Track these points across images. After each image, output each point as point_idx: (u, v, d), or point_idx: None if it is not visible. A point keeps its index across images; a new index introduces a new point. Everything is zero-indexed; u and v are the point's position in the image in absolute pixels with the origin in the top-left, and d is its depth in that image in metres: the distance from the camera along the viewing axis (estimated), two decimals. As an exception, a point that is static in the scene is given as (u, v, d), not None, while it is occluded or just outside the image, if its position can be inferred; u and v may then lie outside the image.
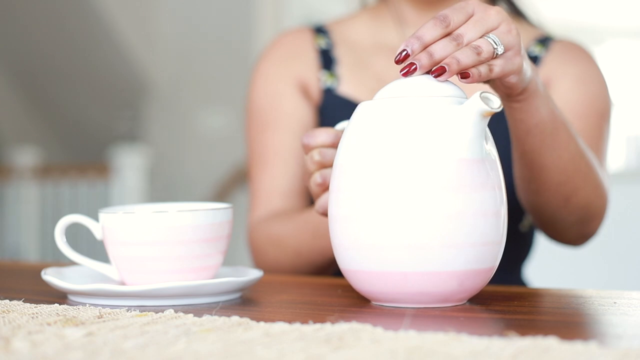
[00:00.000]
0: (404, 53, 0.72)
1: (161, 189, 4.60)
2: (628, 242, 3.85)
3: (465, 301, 0.72)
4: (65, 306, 0.69)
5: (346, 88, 1.14)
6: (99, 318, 0.64)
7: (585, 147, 0.94)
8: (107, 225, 0.79)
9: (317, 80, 1.15)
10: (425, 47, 0.72)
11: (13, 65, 4.87)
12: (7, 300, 0.72)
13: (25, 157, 4.35)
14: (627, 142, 4.92)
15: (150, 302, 0.74)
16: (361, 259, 0.70)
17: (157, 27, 4.68)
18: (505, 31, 0.74)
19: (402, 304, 0.70)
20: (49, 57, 4.74)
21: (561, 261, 3.63)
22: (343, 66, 1.15)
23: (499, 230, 0.69)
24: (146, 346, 0.54)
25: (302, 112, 1.14)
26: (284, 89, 1.15)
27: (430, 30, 0.72)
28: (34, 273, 0.91)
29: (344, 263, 0.72)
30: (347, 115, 1.11)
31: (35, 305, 0.70)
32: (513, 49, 0.74)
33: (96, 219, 0.81)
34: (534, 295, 0.79)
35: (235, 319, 0.62)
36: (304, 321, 0.61)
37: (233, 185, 4.32)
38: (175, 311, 0.66)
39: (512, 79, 0.77)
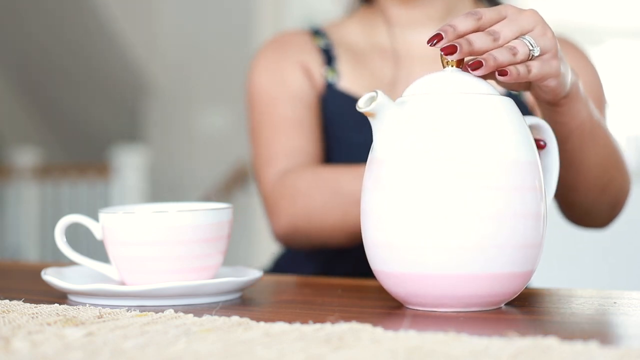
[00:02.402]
0: (436, 36, 0.71)
1: (161, 189, 4.60)
2: (628, 242, 3.85)
3: (501, 305, 0.71)
4: (65, 306, 0.69)
5: (345, 84, 1.15)
6: (99, 318, 0.64)
7: (614, 137, 0.97)
8: (107, 225, 0.79)
9: (320, 74, 1.16)
10: (458, 36, 0.71)
11: (13, 66, 4.87)
12: (7, 300, 0.72)
13: (25, 157, 4.35)
14: (627, 142, 4.92)
15: (150, 302, 0.74)
16: (396, 260, 0.67)
17: (157, 27, 4.68)
18: (541, 34, 0.73)
19: (438, 308, 0.69)
20: (49, 57, 4.74)
21: (561, 261, 3.63)
22: (342, 63, 1.16)
23: (539, 232, 0.68)
24: (146, 346, 0.54)
25: (307, 90, 1.14)
26: (288, 69, 1.15)
27: (462, 21, 0.72)
28: (34, 273, 0.91)
29: (376, 264, 0.70)
30: (347, 109, 1.12)
31: (35, 305, 0.70)
32: (550, 52, 0.73)
33: (96, 219, 0.81)
34: (534, 295, 0.79)
35: (235, 319, 0.62)
36: (304, 321, 0.61)
37: (233, 185, 4.32)
38: (175, 311, 0.66)
39: (551, 83, 0.75)
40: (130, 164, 4.09)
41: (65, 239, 0.81)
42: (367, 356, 0.51)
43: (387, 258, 0.68)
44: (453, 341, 0.54)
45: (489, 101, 0.68)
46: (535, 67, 0.72)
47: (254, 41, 4.33)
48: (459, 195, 0.65)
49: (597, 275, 3.94)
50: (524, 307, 0.72)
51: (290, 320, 0.61)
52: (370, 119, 0.68)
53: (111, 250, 0.79)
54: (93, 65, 4.71)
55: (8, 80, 4.93)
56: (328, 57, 1.17)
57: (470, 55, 0.71)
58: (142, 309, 0.70)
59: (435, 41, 0.71)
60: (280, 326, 0.59)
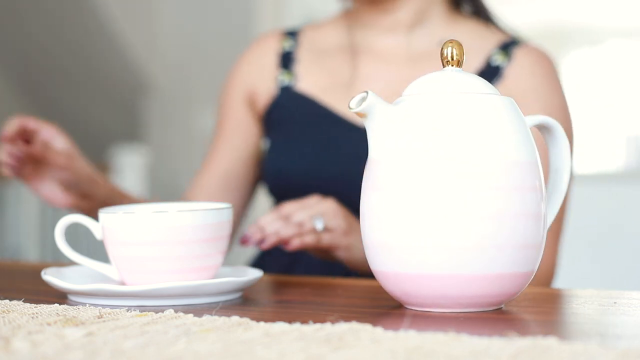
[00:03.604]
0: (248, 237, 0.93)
1: (161, 189, 4.60)
2: (628, 242, 3.85)
3: (501, 305, 0.71)
4: (65, 306, 0.69)
5: (303, 85, 1.19)
6: (99, 318, 0.64)
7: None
8: (107, 225, 0.79)
9: (272, 81, 1.21)
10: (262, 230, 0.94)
11: (13, 65, 4.87)
12: (7, 300, 0.72)
13: (25, 157, 4.34)
14: (627, 142, 4.92)
15: (150, 302, 0.74)
16: (395, 261, 0.67)
17: (157, 27, 4.68)
18: (332, 216, 0.96)
19: (438, 308, 0.68)
20: (49, 57, 4.74)
21: (561, 261, 3.63)
22: (302, 66, 1.21)
23: (539, 232, 0.68)
24: (146, 346, 0.54)
25: (243, 122, 1.24)
26: (233, 99, 1.24)
27: (266, 218, 0.95)
28: (34, 273, 0.91)
29: (376, 264, 0.70)
30: (304, 109, 1.18)
31: (35, 305, 0.70)
32: (338, 230, 0.96)
33: (96, 219, 0.81)
34: (534, 295, 0.79)
35: (235, 319, 0.62)
36: (304, 321, 0.61)
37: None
38: (175, 311, 0.66)
39: (340, 253, 0.97)
40: (130, 164, 4.09)
41: (65, 239, 0.81)
42: (367, 356, 0.51)
43: (386, 258, 0.68)
44: (453, 341, 0.54)
45: (489, 101, 0.68)
46: (326, 238, 0.95)
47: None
48: (459, 195, 0.65)
49: (597, 275, 3.94)
50: (524, 307, 0.72)
51: (290, 320, 0.61)
52: (363, 120, 0.68)
53: (111, 250, 0.79)
54: (93, 65, 4.71)
55: (8, 80, 4.93)
56: (288, 60, 1.21)
57: (264, 238, 0.93)
58: (142, 309, 0.70)
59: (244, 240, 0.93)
60: (280, 326, 0.59)
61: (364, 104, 0.67)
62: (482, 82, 0.71)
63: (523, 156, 0.67)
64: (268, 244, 0.93)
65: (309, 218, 0.95)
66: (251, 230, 0.95)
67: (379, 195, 0.68)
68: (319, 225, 0.95)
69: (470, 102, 0.68)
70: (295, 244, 0.93)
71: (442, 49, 0.72)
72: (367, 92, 0.67)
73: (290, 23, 4.33)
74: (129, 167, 4.10)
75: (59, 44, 4.64)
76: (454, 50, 0.71)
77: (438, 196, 0.66)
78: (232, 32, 4.50)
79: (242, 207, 1.24)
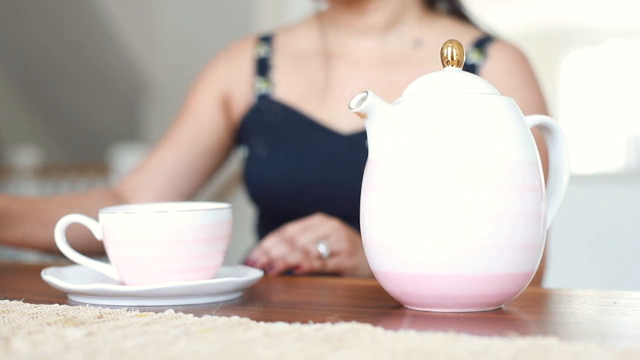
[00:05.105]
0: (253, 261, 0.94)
1: (161, 189, 4.59)
2: (628, 242, 3.85)
3: (501, 305, 0.70)
4: (65, 306, 0.69)
5: (281, 93, 1.18)
6: (99, 318, 0.64)
7: None
8: (107, 225, 0.79)
9: (249, 88, 1.20)
10: (267, 253, 0.94)
11: (13, 65, 4.87)
12: (7, 300, 0.72)
13: (25, 157, 4.35)
14: (627, 142, 4.92)
15: (150, 302, 0.74)
16: (395, 261, 0.67)
17: (157, 27, 4.68)
18: (336, 239, 0.96)
19: (438, 308, 0.68)
20: (49, 57, 4.74)
21: (561, 261, 3.63)
22: (279, 72, 1.19)
23: (539, 232, 0.68)
24: (146, 346, 0.54)
25: (213, 115, 1.21)
26: (207, 91, 1.22)
27: (270, 241, 0.95)
28: (34, 273, 0.91)
29: (376, 264, 0.69)
30: (280, 118, 1.17)
31: (35, 305, 0.70)
32: (343, 252, 0.96)
33: (96, 218, 0.81)
34: (534, 295, 0.79)
35: (235, 319, 0.62)
36: (304, 321, 0.61)
37: (233, 185, 4.32)
38: (175, 311, 0.66)
39: (347, 274, 0.98)
40: (130, 164, 4.09)
41: (65, 239, 0.81)
42: (367, 356, 0.51)
43: (386, 258, 0.68)
44: (453, 341, 0.54)
45: (489, 101, 0.68)
46: (332, 263, 0.96)
47: (254, 41, 4.33)
48: (459, 195, 0.65)
49: (597, 275, 3.94)
50: (524, 307, 0.72)
51: (290, 320, 0.61)
52: (363, 120, 0.68)
53: (111, 250, 0.79)
54: (93, 65, 4.71)
55: (8, 80, 4.93)
56: (264, 67, 1.20)
57: (270, 263, 0.93)
58: (142, 309, 0.70)
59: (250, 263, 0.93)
60: (280, 326, 0.59)
61: (364, 104, 0.67)
62: (482, 82, 0.71)
63: (523, 156, 0.67)
64: (276, 270, 0.94)
65: (314, 242, 0.95)
66: (256, 254, 0.94)
67: (379, 195, 0.68)
68: (324, 251, 0.95)
69: (470, 102, 0.68)
70: (301, 271, 0.94)
71: (442, 49, 0.72)
72: (367, 92, 0.67)
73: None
74: (129, 167, 4.10)
75: (59, 44, 4.64)
76: (454, 50, 0.71)
77: (438, 196, 0.65)
78: (232, 32, 4.49)
79: (190, 194, 1.22)
